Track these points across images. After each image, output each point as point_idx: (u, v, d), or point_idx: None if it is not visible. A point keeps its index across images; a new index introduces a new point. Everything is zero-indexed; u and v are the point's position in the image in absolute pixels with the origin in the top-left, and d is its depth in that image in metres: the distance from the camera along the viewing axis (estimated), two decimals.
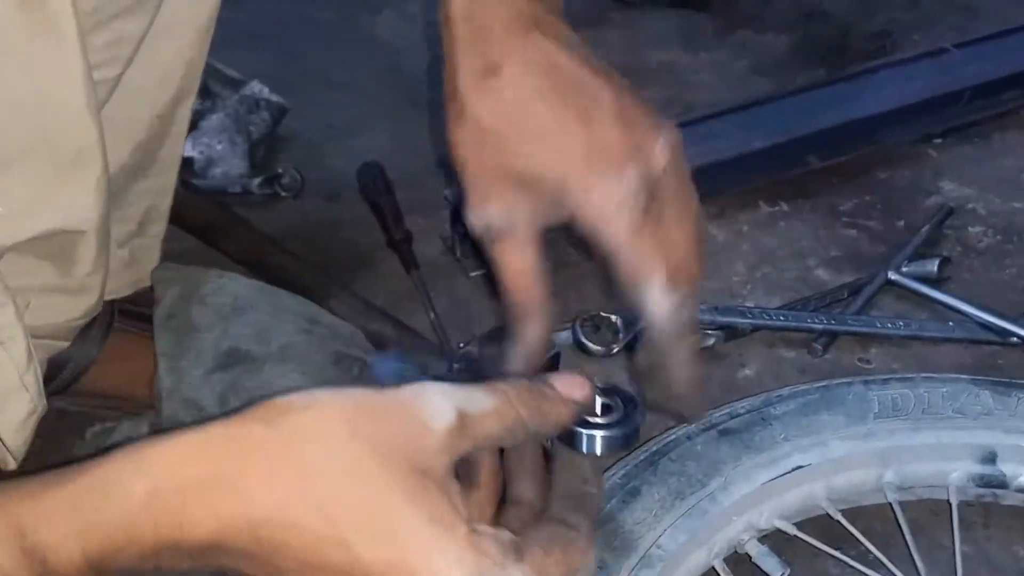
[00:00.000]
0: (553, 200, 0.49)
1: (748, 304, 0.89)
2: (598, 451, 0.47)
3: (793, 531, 0.65)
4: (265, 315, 0.72)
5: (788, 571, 0.63)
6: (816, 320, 0.86)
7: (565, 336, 0.85)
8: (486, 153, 0.49)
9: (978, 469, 0.67)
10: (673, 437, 0.66)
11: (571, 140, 0.48)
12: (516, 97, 0.49)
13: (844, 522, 0.66)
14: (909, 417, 0.68)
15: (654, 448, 0.66)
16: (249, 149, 0.99)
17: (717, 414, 0.68)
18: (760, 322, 0.86)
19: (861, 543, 0.65)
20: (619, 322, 0.86)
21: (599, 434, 0.46)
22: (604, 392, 0.48)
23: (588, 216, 0.48)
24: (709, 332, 0.86)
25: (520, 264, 0.50)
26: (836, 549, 0.65)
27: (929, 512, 0.69)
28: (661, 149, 0.49)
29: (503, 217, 0.50)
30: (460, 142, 0.50)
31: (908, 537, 0.65)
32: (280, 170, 0.98)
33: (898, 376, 0.71)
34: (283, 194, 0.98)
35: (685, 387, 0.51)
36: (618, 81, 0.51)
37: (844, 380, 0.70)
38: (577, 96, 0.49)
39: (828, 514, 0.67)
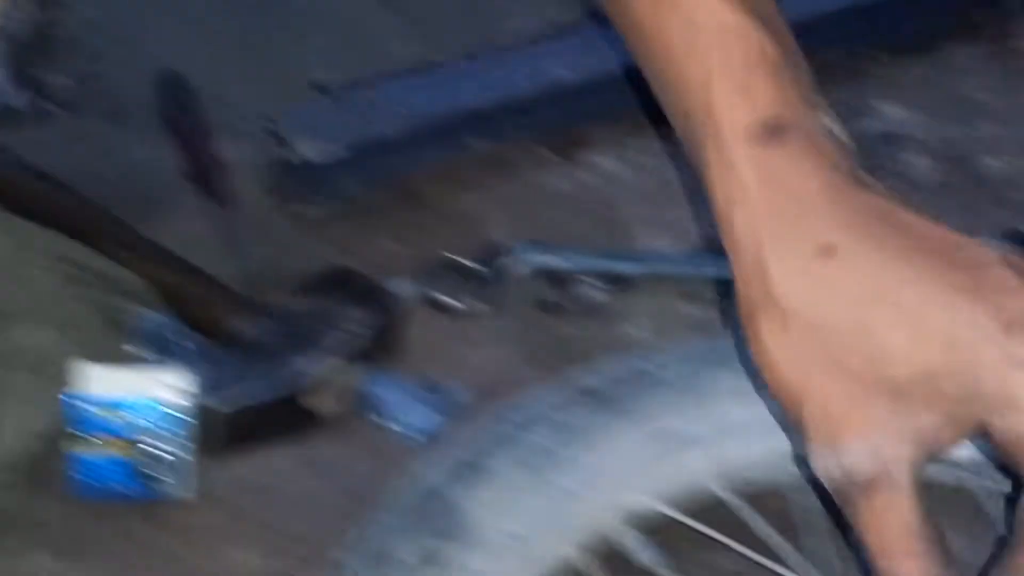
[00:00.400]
0: (957, 406, 0.43)
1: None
2: None
3: (677, 516, 0.67)
4: (8, 256, 0.70)
5: (666, 563, 0.64)
6: (725, 267, 0.87)
7: (411, 289, 0.85)
8: (838, 364, 0.43)
9: None
10: (530, 404, 0.67)
11: (972, 313, 0.42)
12: (870, 280, 0.44)
13: (742, 505, 0.68)
14: None
15: (506, 416, 0.67)
16: (6, 50, 0.97)
17: (586, 376, 0.69)
18: (656, 269, 0.87)
19: (763, 532, 0.67)
20: (483, 270, 0.87)
21: None
22: None
23: (1011, 424, 0.42)
24: (595, 285, 0.87)
25: (900, 523, 0.44)
26: (731, 539, 0.66)
27: None
28: None
29: (877, 454, 0.43)
30: (788, 359, 0.44)
31: (820, 524, 0.66)
32: (49, 78, 0.96)
33: None
34: (52, 109, 0.96)
35: None
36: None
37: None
38: (955, 261, 0.44)
39: (722, 496, 0.68)
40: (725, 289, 0.88)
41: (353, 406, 0.77)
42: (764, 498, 0.69)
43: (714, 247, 0.89)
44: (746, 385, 0.68)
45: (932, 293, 0.43)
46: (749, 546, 0.66)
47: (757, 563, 0.66)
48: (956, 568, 0.45)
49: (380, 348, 0.80)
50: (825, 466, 0.45)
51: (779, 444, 0.68)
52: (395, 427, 0.76)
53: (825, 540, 0.66)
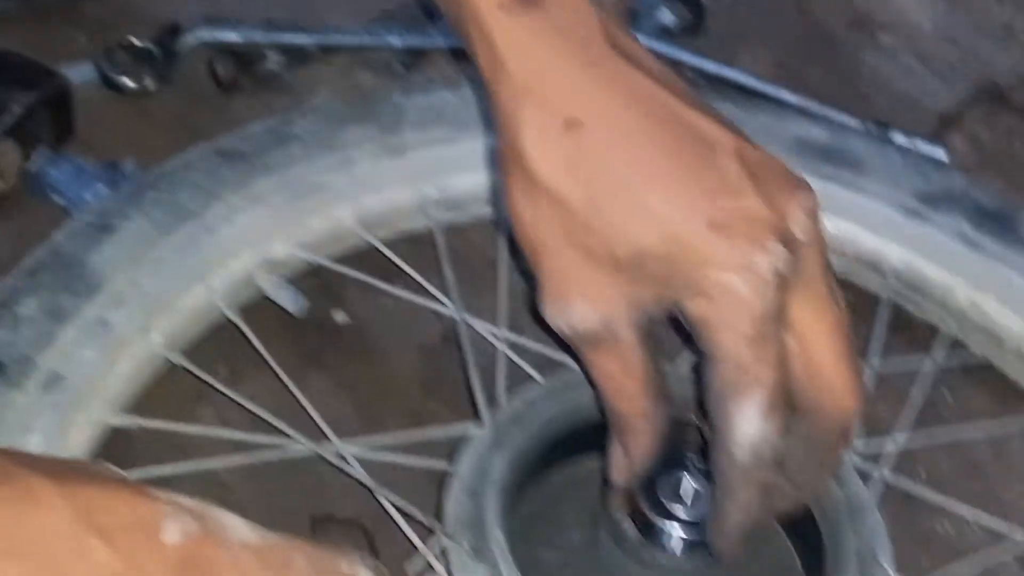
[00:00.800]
0: (661, 285, 0.46)
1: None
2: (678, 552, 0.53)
3: (322, 261, 0.69)
4: None
5: (305, 304, 0.68)
6: (398, 35, 0.89)
7: (84, 70, 0.84)
8: (571, 234, 0.46)
9: None
10: (170, 167, 0.68)
11: (686, 205, 0.45)
12: (607, 157, 0.46)
13: (384, 249, 0.70)
14: (450, 125, 0.72)
15: (145, 180, 0.67)
16: None
17: (228, 139, 0.70)
18: (331, 40, 0.88)
19: (407, 272, 0.70)
20: (157, 49, 0.86)
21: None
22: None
23: (699, 310, 0.46)
24: (272, 59, 0.87)
25: (623, 373, 0.49)
26: (380, 280, 0.70)
27: (487, 236, 0.75)
28: (802, 217, 0.46)
29: (600, 318, 0.47)
30: (532, 222, 0.47)
31: (448, 264, 0.70)
32: None
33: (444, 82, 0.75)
34: None
35: (728, 529, 0.50)
36: (728, 121, 0.47)
37: (381, 92, 0.74)
38: (689, 147, 0.45)
39: (371, 244, 0.71)
40: (403, 58, 0.90)
41: (21, 185, 0.76)
42: (410, 241, 0.73)
43: (394, 18, 0.91)
44: (385, 139, 0.71)
45: (657, 178, 0.45)
46: (398, 285, 0.70)
47: (407, 300, 0.69)
48: (672, 405, 0.51)
49: (50, 128, 0.79)
50: (555, 320, 0.49)
51: (415, 193, 0.72)
52: (66, 205, 0.76)
53: (455, 275, 0.70)
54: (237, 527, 0.36)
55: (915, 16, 0.99)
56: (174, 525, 0.35)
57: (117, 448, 0.61)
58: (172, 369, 0.65)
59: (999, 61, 0.98)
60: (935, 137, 0.87)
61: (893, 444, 0.64)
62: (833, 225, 0.70)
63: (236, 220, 0.66)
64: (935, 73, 0.96)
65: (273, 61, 0.87)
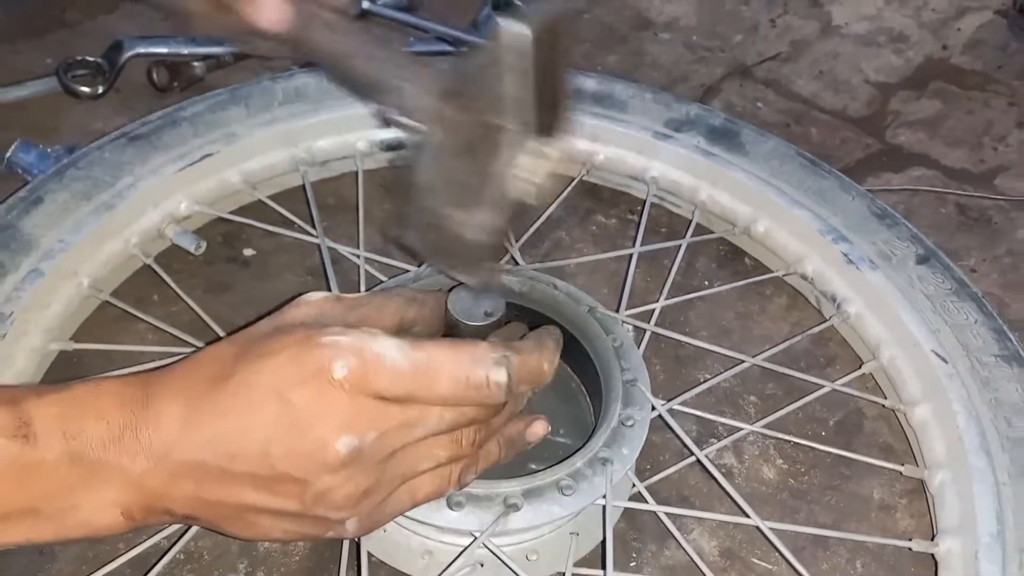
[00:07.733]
0: None
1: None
2: None
3: (216, 212, 0.73)
4: None
5: (203, 244, 0.72)
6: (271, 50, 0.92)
7: (50, 82, 0.89)
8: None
9: (379, 135, 0.77)
10: (87, 150, 0.72)
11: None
12: None
13: (268, 201, 0.75)
14: (311, 100, 0.77)
15: (67, 160, 0.71)
16: None
17: (129, 125, 0.74)
18: (244, 50, 0.92)
19: (283, 214, 0.74)
20: (103, 63, 0.91)
21: None
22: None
23: None
24: (195, 63, 0.92)
25: None
26: (262, 222, 0.74)
27: (348, 183, 0.80)
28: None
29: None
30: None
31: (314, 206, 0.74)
32: None
33: (302, 67, 0.79)
34: None
35: None
36: None
37: (252, 80, 0.78)
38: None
39: (257, 198, 0.76)
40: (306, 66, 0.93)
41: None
42: (288, 193, 0.78)
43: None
44: (252, 117, 0.76)
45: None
46: (278, 225, 0.74)
47: (284, 234, 0.73)
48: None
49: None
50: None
51: (285, 153, 0.76)
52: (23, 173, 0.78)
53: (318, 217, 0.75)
54: (388, 353, 0.41)
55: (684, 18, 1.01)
56: (338, 364, 0.41)
57: (65, 367, 0.65)
58: (102, 305, 0.68)
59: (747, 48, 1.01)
60: (702, 102, 0.90)
61: (656, 307, 0.69)
62: (605, 151, 0.75)
63: (141, 187, 0.70)
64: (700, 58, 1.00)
65: (198, 67, 0.92)
